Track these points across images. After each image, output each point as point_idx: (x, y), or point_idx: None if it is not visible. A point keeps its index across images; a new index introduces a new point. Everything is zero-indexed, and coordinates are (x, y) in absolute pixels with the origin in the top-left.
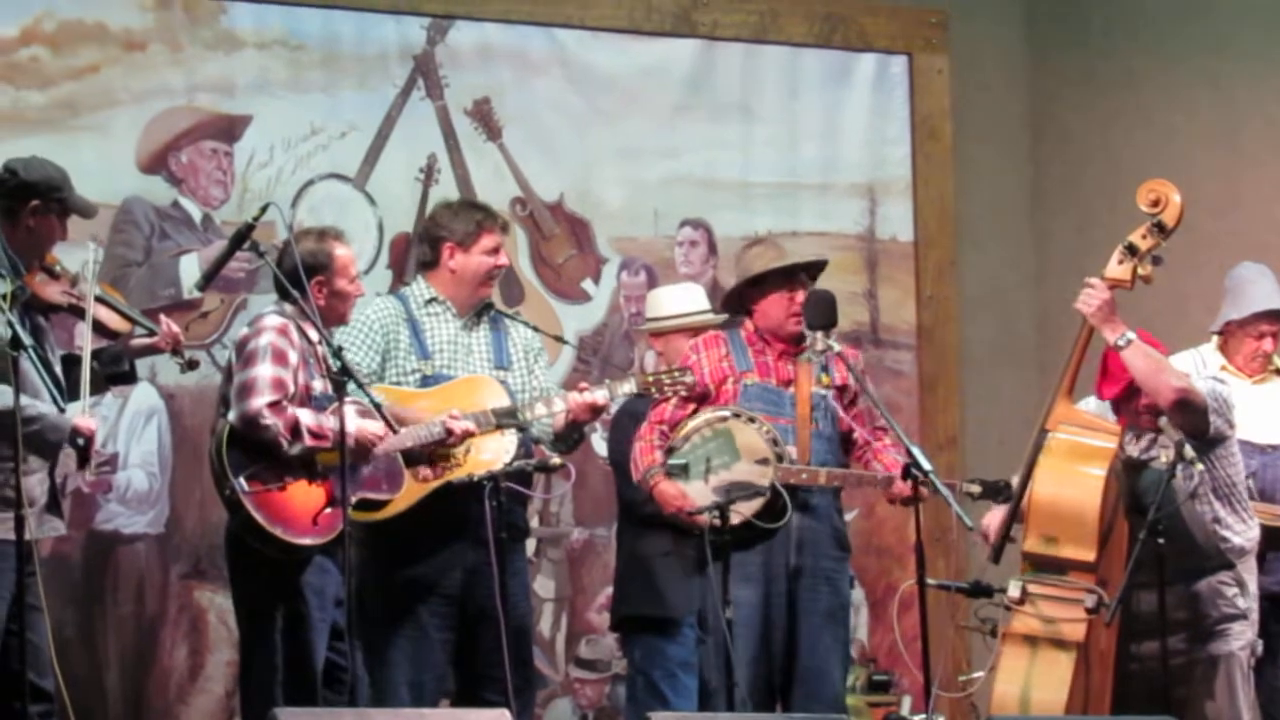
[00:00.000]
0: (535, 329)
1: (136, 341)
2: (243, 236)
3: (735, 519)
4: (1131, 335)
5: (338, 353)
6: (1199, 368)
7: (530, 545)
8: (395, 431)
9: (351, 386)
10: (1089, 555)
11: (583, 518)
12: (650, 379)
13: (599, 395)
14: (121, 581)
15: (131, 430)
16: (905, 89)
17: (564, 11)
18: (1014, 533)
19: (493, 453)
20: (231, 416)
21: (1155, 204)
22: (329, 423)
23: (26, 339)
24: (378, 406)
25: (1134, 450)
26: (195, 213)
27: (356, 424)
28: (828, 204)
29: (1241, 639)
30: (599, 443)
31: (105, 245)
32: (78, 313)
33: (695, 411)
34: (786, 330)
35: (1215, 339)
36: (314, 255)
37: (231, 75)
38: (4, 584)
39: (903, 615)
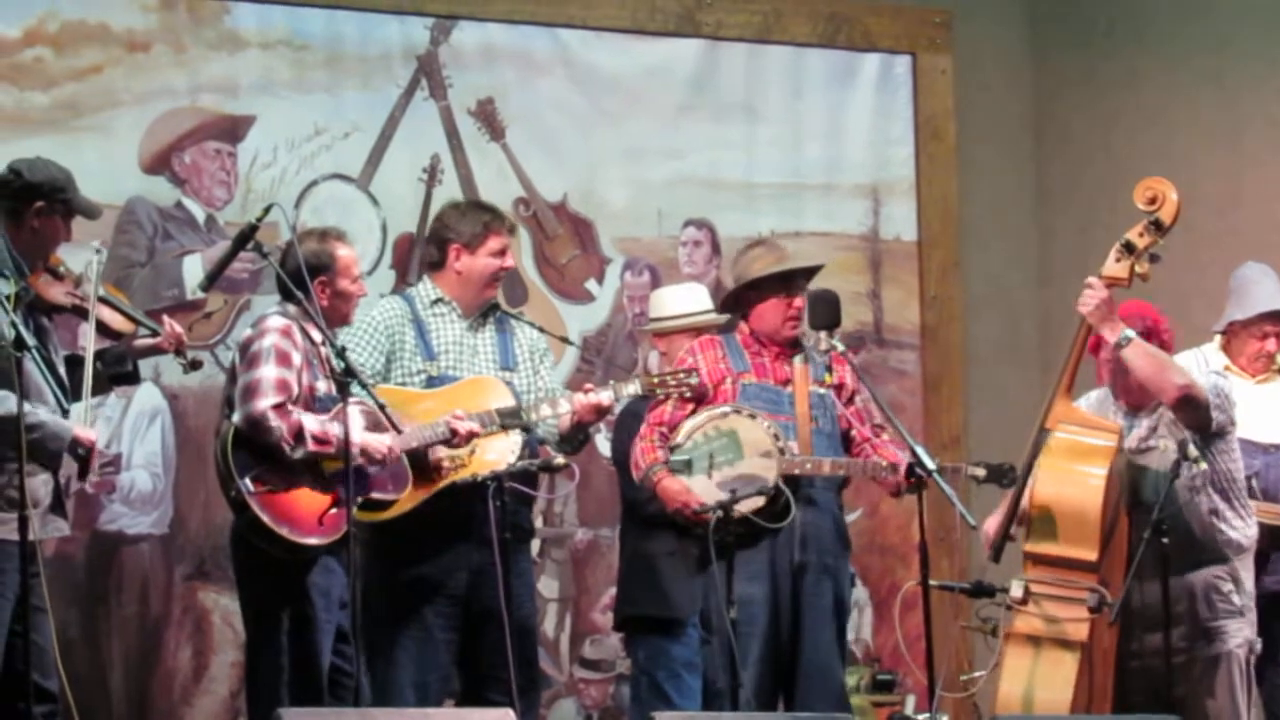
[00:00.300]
0: (541, 329)
1: (139, 342)
2: (246, 237)
3: (745, 507)
4: (1131, 334)
5: (341, 353)
6: (1201, 367)
7: (534, 545)
8: (399, 433)
9: (355, 387)
10: (1091, 555)
11: (587, 518)
12: (655, 380)
13: (604, 396)
14: (125, 582)
15: (135, 431)
16: (909, 89)
17: (567, 12)
18: (1013, 532)
19: (497, 453)
20: (236, 418)
21: (1152, 202)
22: (334, 429)
23: (30, 339)
24: (382, 407)
25: (1132, 441)
26: (199, 213)
27: (363, 437)
28: (831, 204)
29: (1239, 637)
30: (603, 443)
31: (109, 246)
32: (81, 313)
33: (694, 412)
34: (782, 335)
35: (1218, 338)
36: (317, 255)
37: (235, 76)
38: (8, 584)
39: (906, 615)
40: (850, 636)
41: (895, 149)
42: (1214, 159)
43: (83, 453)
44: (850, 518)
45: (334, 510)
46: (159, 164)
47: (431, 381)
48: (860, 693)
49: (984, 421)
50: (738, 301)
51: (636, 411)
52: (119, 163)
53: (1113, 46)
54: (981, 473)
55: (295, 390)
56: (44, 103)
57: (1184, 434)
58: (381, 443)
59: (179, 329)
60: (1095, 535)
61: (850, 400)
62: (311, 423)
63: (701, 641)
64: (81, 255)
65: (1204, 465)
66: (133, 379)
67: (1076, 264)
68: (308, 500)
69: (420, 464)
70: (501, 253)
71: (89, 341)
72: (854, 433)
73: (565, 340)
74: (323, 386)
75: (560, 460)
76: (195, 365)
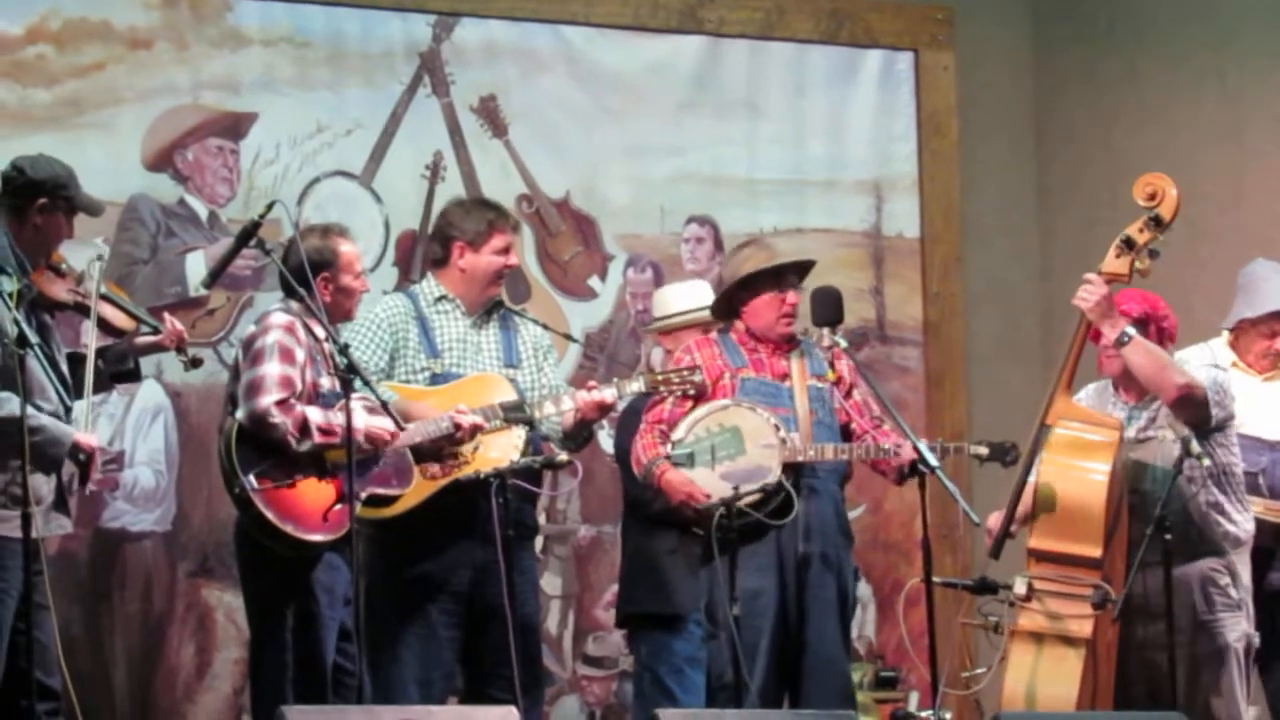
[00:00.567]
0: (544, 326)
1: (142, 339)
2: (249, 234)
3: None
4: (1132, 331)
5: (343, 349)
6: (1209, 361)
7: (538, 543)
8: (402, 428)
9: (359, 383)
10: (1095, 551)
11: (590, 515)
12: (659, 377)
13: (607, 394)
14: (128, 579)
15: (138, 428)
16: (911, 85)
17: (569, 8)
18: (1013, 530)
19: (500, 450)
20: (240, 415)
21: (1152, 197)
22: (338, 420)
23: (33, 337)
24: (385, 404)
25: (1132, 431)
26: (201, 210)
27: (366, 421)
28: (834, 200)
29: (1237, 630)
30: (606, 440)
31: (111, 243)
32: (83, 311)
33: (693, 409)
34: (778, 331)
35: (1226, 335)
36: (319, 252)
37: (237, 73)
38: (11, 582)
39: (909, 612)
40: (853, 633)
41: (897, 145)
42: (1215, 156)
43: (83, 458)
44: (853, 514)
45: (338, 507)
46: (161, 161)
47: (435, 379)
48: (863, 689)
49: (986, 417)
50: (731, 302)
51: (639, 409)
52: (121, 160)
53: (1114, 44)
54: (984, 451)
55: (299, 386)
56: (46, 100)
57: (1185, 430)
58: (384, 428)
59: (180, 326)
60: (1099, 531)
61: (849, 394)
62: (316, 414)
63: (708, 636)
64: (84, 252)
65: (1207, 462)
66: (134, 376)
67: (1078, 260)
68: (312, 497)
69: (423, 461)
70: (505, 250)
71: (91, 339)
72: (854, 425)
73: (568, 337)
74: (326, 383)
75: (563, 457)
76: (196, 363)
